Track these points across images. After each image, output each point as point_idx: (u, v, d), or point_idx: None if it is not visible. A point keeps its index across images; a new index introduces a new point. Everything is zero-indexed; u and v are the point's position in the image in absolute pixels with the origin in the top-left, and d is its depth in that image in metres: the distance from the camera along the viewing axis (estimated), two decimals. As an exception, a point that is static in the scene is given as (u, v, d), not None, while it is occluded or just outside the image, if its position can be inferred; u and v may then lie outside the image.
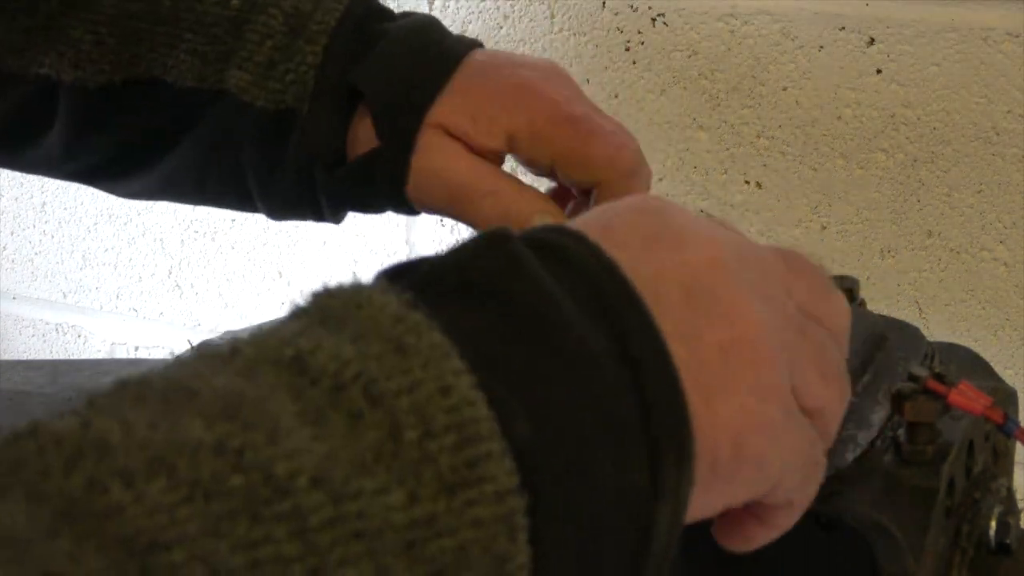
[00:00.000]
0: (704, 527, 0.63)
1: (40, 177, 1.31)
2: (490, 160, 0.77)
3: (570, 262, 0.46)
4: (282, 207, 0.81)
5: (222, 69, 0.78)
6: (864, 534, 0.59)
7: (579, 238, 0.47)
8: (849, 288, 0.73)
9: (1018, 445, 0.67)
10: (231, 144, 0.79)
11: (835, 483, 0.59)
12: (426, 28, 0.79)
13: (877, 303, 0.98)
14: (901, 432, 0.61)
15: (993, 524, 0.63)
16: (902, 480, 0.60)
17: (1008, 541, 0.63)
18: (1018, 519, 0.65)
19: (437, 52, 0.78)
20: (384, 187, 0.78)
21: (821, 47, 0.96)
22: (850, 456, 0.60)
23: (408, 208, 0.80)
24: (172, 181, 0.82)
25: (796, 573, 0.62)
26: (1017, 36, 0.91)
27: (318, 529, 0.38)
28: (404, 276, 0.46)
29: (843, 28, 0.95)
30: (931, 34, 0.93)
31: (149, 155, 0.81)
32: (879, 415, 0.63)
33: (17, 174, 1.31)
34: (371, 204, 0.81)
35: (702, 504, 0.48)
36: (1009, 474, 0.70)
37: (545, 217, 0.75)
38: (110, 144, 0.81)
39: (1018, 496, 0.71)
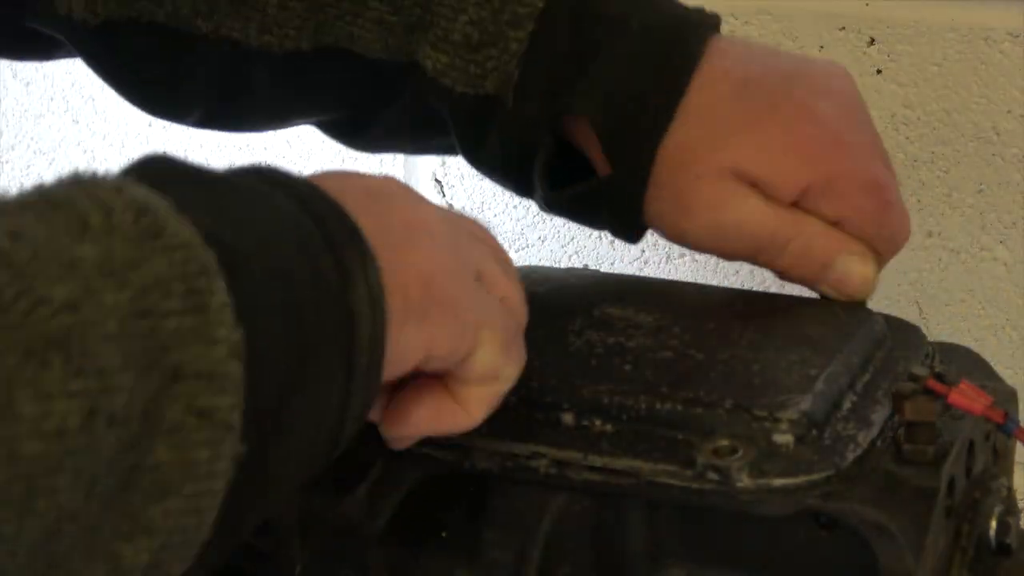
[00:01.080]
0: (704, 528, 0.63)
1: (40, 177, 1.31)
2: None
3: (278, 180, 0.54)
4: (497, 180, 0.77)
5: (413, 44, 0.73)
6: (864, 534, 0.59)
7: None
8: None
9: (1018, 445, 0.67)
10: (433, 120, 0.75)
11: (835, 483, 0.59)
12: (656, 23, 0.71)
13: (877, 303, 0.97)
14: (901, 432, 0.61)
15: (993, 524, 0.63)
16: (902, 480, 0.60)
17: (1008, 541, 0.63)
18: (1018, 519, 0.65)
19: (670, 55, 0.70)
20: (613, 218, 0.73)
21: (821, 47, 0.96)
22: (850, 456, 0.60)
23: (634, 234, 0.74)
24: (386, 142, 0.81)
25: (796, 573, 0.62)
26: (1017, 36, 0.91)
27: (27, 263, 0.43)
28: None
29: (843, 28, 0.95)
30: (931, 34, 0.93)
31: (352, 126, 0.79)
32: (879, 415, 0.63)
33: (16, 173, 1.31)
34: (594, 224, 0.76)
35: (402, 341, 0.54)
36: (1009, 474, 0.70)
37: (850, 257, 0.72)
38: (307, 114, 0.79)
39: (1018, 496, 0.71)
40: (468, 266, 0.59)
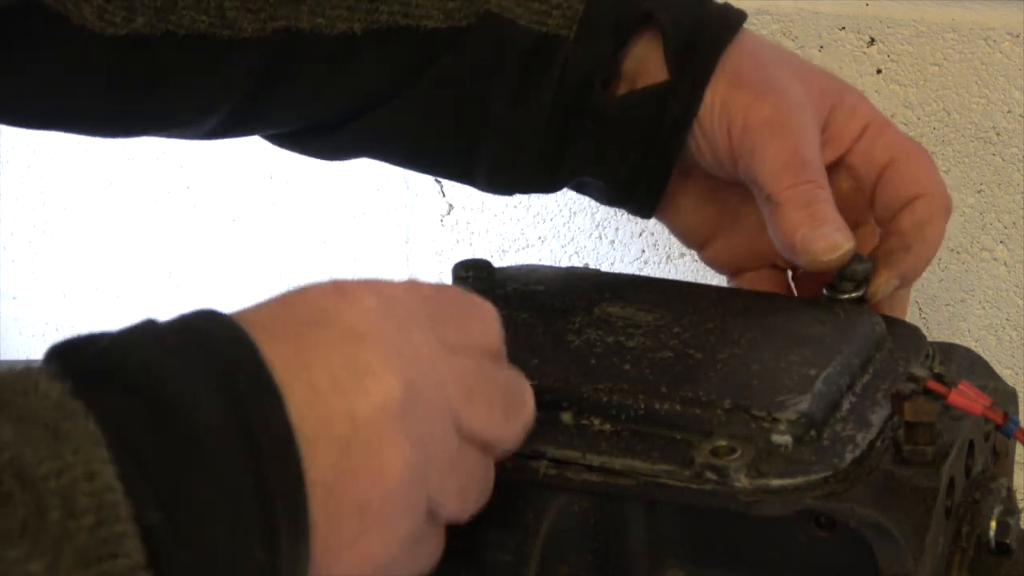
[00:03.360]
0: (704, 528, 0.63)
1: (40, 177, 1.31)
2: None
3: (213, 351, 0.51)
4: (514, 156, 0.76)
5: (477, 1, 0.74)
6: (864, 534, 0.59)
7: (237, 340, 0.51)
8: (863, 272, 0.73)
9: (1018, 445, 0.67)
10: (478, 81, 0.75)
11: (834, 484, 0.59)
12: None
13: (877, 303, 0.97)
14: (901, 432, 0.61)
15: (993, 524, 0.63)
16: (902, 480, 0.60)
17: (1008, 541, 0.63)
18: (1018, 519, 0.65)
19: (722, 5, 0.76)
20: (669, 126, 0.74)
21: (821, 47, 0.96)
22: (850, 456, 0.60)
23: (654, 179, 0.76)
24: (391, 130, 0.78)
25: (796, 573, 0.62)
26: (1017, 36, 0.91)
27: None
28: (74, 355, 0.51)
29: (843, 28, 0.95)
30: (931, 34, 0.93)
31: (386, 95, 0.77)
32: (879, 415, 0.63)
33: (16, 173, 1.31)
34: (628, 150, 0.76)
35: None
36: (1009, 474, 0.70)
37: (836, 231, 0.73)
38: (350, 96, 0.77)
39: (1018, 496, 0.71)
40: (415, 531, 0.55)
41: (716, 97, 0.74)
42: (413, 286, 0.57)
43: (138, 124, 0.79)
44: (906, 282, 0.75)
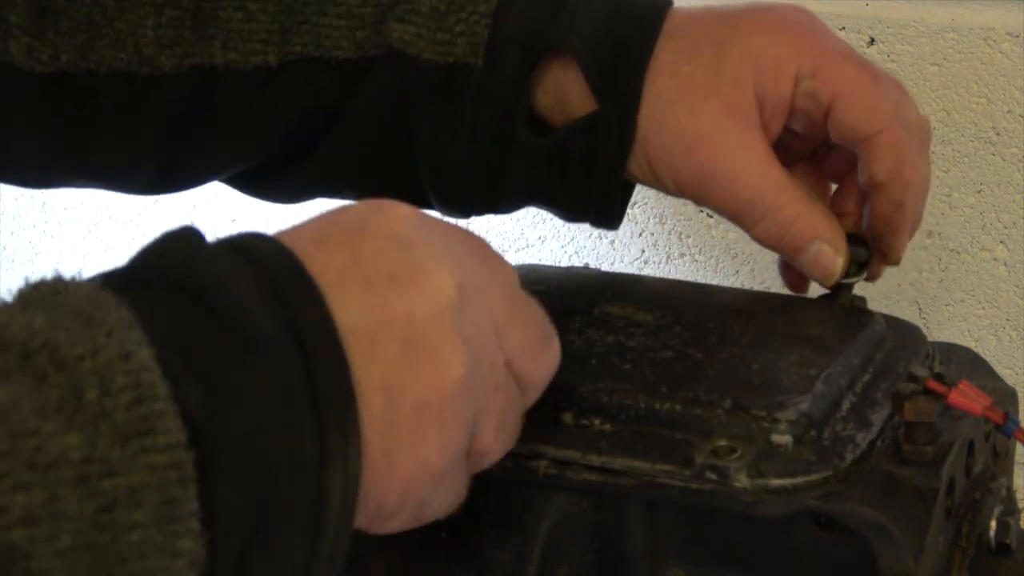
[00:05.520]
0: (704, 528, 0.63)
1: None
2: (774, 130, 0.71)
3: (256, 260, 0.51)
4: (449, 185, 0.74)
5: (381, 26, 0.72)
6: (864, 534, 0.59)
7: (280, 251, 0.51)
8: (861, 261, 0.73)
9: (1018, 445, 0.67)
10: (396, 111, 0.73)
11: (834, 483, 0.59)
12: None
13: (877, 303, 0.97)
14: (901, 432, 0.61)
15: (993, 524, 0.63)
16: (902, 480, 0.60)
17: (1008, 541, 0.63)
18: (1018, 519, 0.65)
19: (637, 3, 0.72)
20: (605, 161, 0.71)
21: (821, 47, 0.96)
22: (850, 456, 0.60)
23: (603, 206, 0.73)
24: (331, 170, 0.76)
25: (796, 573, 0.62)
26: (1017, 36, 0.91)
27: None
28: (111, 275, 0.50)
29: (843, 28, 0.95)
30: (931, 34, 0.93)
31: (311, 138, 0.75)
32: (879, 415, 0.63)
33: (17, 174, 1.31)
34: (567, 184, 0.72)
35: (381, 514, 0.53)
36: (1009, 474, 0.70)
37: (823, 246, 0.71)
38: (270, 134, 0.76)
39: (1018, 496, 0.71)
40: (460, 451, 0.55)
41: (640, 157, 0.71)
42: (509, 289, 0.58)
43: (74, 171, 0.77)
44: (913, 230, 0.73)
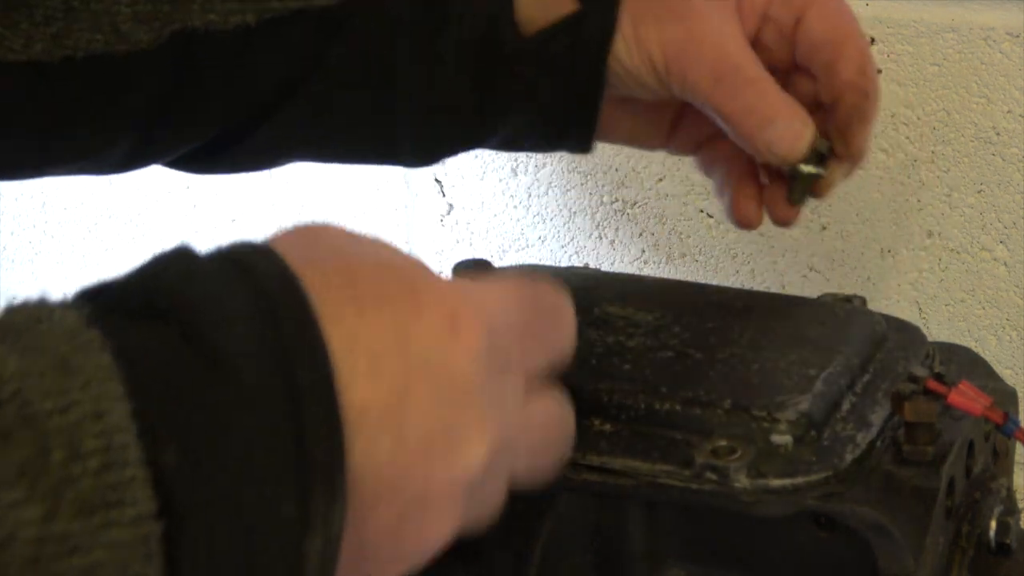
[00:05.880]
0: (704, 528, 0.63)
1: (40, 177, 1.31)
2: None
3: (256, 287, 0.47)
4: (432, 113, 0.75)
5: None
6: (864, 534, 0.59)
7: (284, 277, 0.47)
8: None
9: (1018, 445, 0.67)
10: (379, 51, 0.74)
11: (834, 484, 0.59)
12: None
13: (877, 303, 0.97)
14: (901, 432, 0.61)
15: (993, 524, 0.63)
16: (902, 480, 0.60)
17: (1008, 541, 0.63)
18: (1018, 519, 0.65)
19: None
20: (586, 56, 0.73)
21: (821, 47, 0.96)
22: (850, 456, 0.60)
23: (585, 107, 0.75)
24: (308, 122, 0.76)
25: (796, 573, 0.62)
26: (1017, 36, 0.91)
27: None
28: (101, 294, 0.47)
29: (843, 28, 0.95)
30: (931, 34, 0.93)
31: (293, 84, 0.75)
32: (879, 415, 0.63)
33: (17, 174, 1.31)
34: (552, 83, 0.75)
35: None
36: (1009, 474, 0.70)
37: (792, 119, 0.73)
38: (256, 89, 0.75)
39: (1018, 496, 0.71)
40: (475, 494, 0.51)
41: (627, 28, 0.74)
42: (515, 296, 0.55)
43: (51, 156, 0.76)
44: (868, 128, 0.76)
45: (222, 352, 0.45)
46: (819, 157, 0.74)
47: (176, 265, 0.48)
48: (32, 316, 0.44)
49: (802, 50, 0.75)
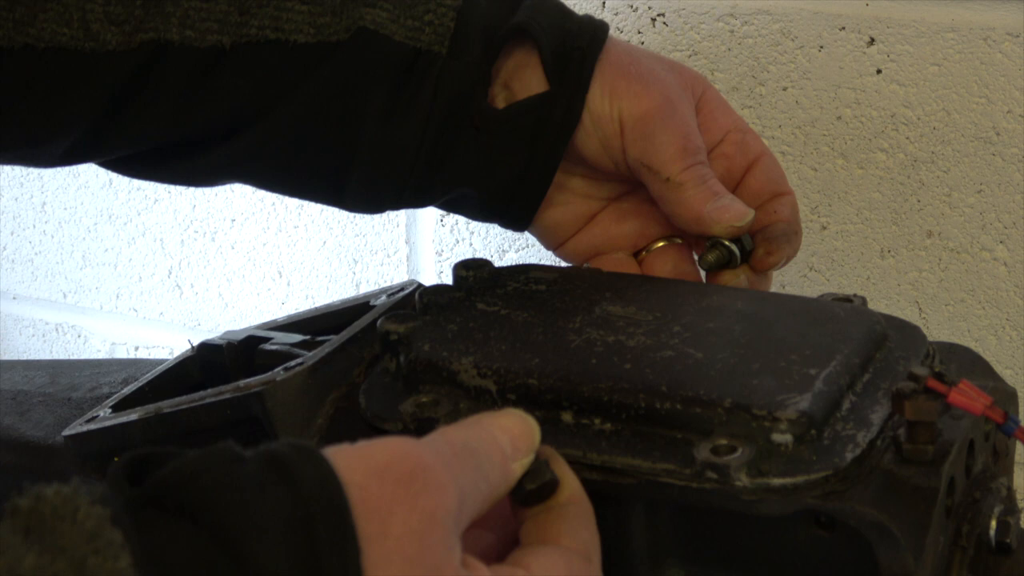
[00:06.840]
0: (704, 528, 0.63)
1: (40, 177, 1.31)
2: None
3: (298, 496, 0.46)
4: (387, 170, 0.77)
5: (344, 12, 0.75)
6: (864, 534, 0.59)
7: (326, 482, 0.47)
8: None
9: (1018, 445, 0.67)
10: (350, 94, 0.76)
11: (834, 483, 0.59)
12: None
13: (877, 303, 0.97)
14: (901, 431, 0.61)
15: (993, 524, 0.63)
16: (902, 480, 0.60)
17: (1008, 541, 0.63)
18: (1018, 519, 0.65)
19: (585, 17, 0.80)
20: (553, 130, 0.77)
21: (821, 47, 0.96)
22: (850, 455, 0.60)
23: (535, 185, 0.79)
24: (264, 150, 0.77)
25: (796, 573, 0.62)
26: (1017, 36, 0.91)
27: None
28: (140, 471, 0.47)
29: (843, 28, 0.95)
30: (931, 34, 0.93)
31: (256, 113, 0.76)
32: (879, 415, 0.63)
33: (17, 173, 1.31)
34: (512, 157, 0.78)
35: None
36: (1009, 474, 0.70)
37: (736, 201, 0.78)
38: (217, 110, 0.76)
39: (1018, 496, 0.71)
40: None
41: (604, 89, 0.77)
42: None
43: None
44: (787, 261, 0.81)
45: (250, 561, 0.45)
46: (741, 247, 0.79)
47: (217, 467, 0.47)
48: (58, 511, 0.43)
49: (755, 188, 0.81)
